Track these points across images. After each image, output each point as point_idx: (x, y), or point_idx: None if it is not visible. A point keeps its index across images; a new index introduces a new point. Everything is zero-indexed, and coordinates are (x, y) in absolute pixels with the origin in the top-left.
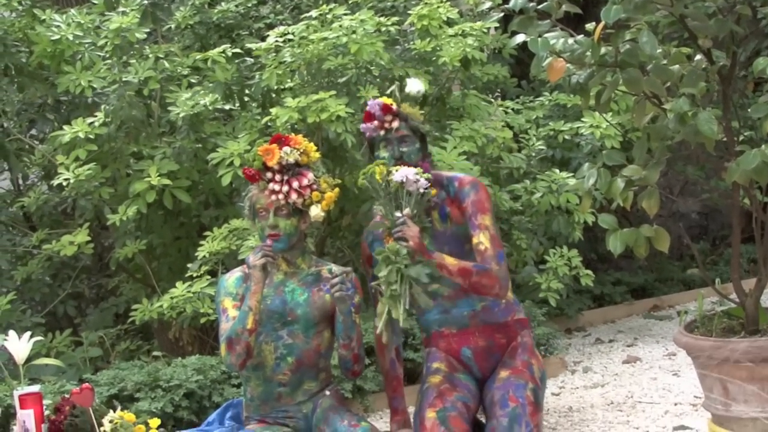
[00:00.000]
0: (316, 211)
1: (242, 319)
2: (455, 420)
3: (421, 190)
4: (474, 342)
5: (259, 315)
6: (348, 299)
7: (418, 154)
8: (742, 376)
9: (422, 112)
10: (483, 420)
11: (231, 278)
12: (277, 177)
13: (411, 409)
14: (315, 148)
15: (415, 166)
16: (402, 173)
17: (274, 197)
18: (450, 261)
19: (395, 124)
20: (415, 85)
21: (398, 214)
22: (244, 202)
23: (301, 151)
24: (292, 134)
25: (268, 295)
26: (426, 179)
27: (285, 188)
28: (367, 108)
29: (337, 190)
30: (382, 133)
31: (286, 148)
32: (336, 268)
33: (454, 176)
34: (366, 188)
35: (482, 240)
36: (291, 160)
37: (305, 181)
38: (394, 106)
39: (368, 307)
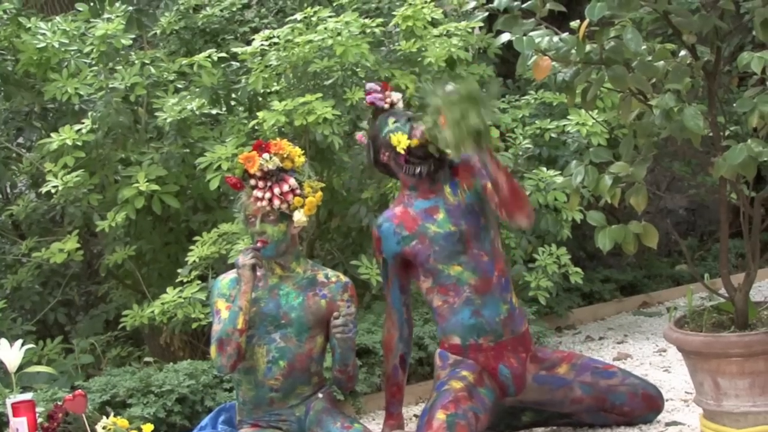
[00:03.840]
0: (298, 216)
1: (233, 320)
2: (462, 429)
3: None
4: (508, 361)
5: (249, 315)
6: (350, 341)
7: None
8: (732, 371)
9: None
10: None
11: (225, 280)
12: (260, 183)
13: (408, 409)
14: (300, 152)
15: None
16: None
17: (259, 204)
18: (504, 161)
19: (396, 97)
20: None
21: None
22: (238, 208)
23: (284, 156)
24: (278, 138)
25: (262, 298)
26: None
27: (268, 195)
28: (367, 91)
29: (319, 194)
30: (386, 106)
31: (266, 155)
32: (332, 274)
33: None
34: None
35: None
36: (271, 166)
37: (286, 187)
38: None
39: (365, 314)
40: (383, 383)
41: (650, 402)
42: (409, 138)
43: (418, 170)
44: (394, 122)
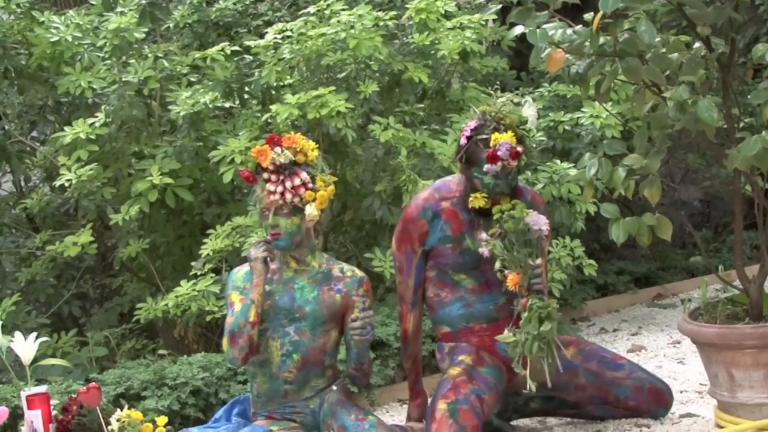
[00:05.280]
0: (309, 210)
1: (245, 312)
2: (465, 413)
3: (544, 236)
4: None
5: (262, 308)
6: (367, 342)
7: (515, 177)
8: (747, 363)
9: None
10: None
11: (239, 273)
12: (273, 177)
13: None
14: (313, 146)
15: (513, 189)
16: (537, 221)
17: (272, 197)
18: None
19: (514, 163)
20: (531, 114)
21: (531, 262)
22: (253, 201)
23: (297, 150)
24: (292, 131)
25: (276, 291)
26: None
27: (280, 188)
28: (497, 151)
29: (331, 188)
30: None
31: (278, 149)
32: (347, 268)
33: (524, 186)
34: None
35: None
36: (283, 160)
37: (298, 181)
38: (520, 148)
39: (379, 307)
40: (408, 368)
41: (658, 397)
42: (483, 206)
43: (480, 222)
44: (491, 178)
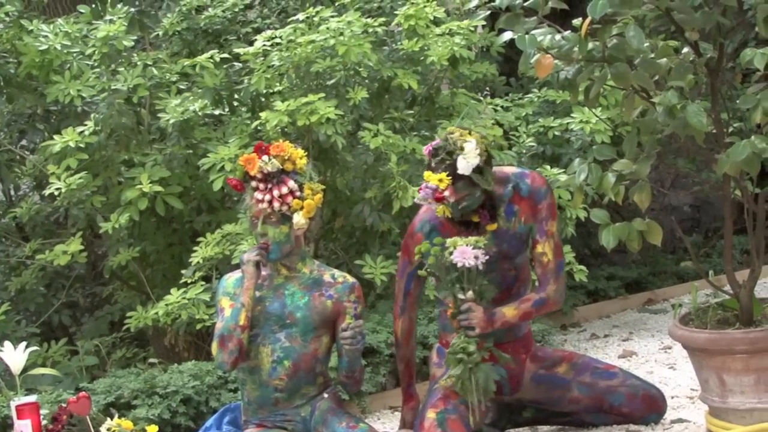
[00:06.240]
0: (297, 219)
1: (235, 316)
2: (454, 423)
3: (481, 266)
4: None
5: (252, 313)
6: (358, 351)
7: (479, 198)
8: (737, 368)
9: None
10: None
11: (231, 279)
12: (261, 185)
13: None
14: (302, 154)
15: (491, 195)
16: (461, 256)
17: (260, 205)
18: (511, 314)
19: (451, 197)
20: (466, 164)
21: (461, 296)
22: (243, 209)
23: (285, 158)
24: (282, 138)
25: (267, 297)
26: (484, 246)
27: (268, 197)
28: (421, 190)
29: (318, 196)
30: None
31: (265, 157)
32: (339, 274)
33: (522, 172)
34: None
35: (546, 251)
36: (271, 168)
37: (285, 189)
38: (447, 193)
39: (370, 314)
40: (401, 371)
41: (651, 403)
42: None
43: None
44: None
